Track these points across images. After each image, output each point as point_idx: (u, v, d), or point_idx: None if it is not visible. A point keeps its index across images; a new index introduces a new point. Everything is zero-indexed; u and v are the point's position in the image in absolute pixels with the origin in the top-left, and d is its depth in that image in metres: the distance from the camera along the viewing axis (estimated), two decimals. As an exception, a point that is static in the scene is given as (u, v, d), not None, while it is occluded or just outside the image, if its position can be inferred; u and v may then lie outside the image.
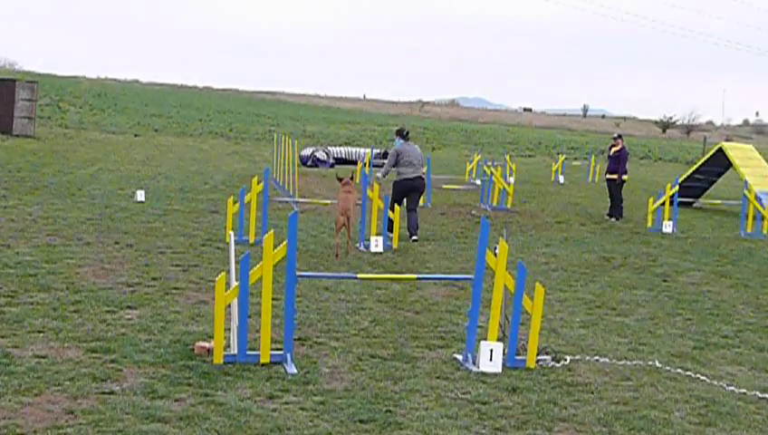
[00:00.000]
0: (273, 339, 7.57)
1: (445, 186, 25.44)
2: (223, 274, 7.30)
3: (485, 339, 7.73)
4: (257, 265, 7.26)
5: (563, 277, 12.52)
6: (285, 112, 77.78)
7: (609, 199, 20.94)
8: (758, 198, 19.95)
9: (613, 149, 20.89)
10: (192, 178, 23.90)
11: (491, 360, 7.57)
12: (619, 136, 21.26)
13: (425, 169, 15.61)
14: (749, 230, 19.19)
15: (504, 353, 7.69)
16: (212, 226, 15.42)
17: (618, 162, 20.54)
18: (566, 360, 8.03)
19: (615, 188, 20.59)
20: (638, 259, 14.68)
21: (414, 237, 14.97)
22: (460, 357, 7.91)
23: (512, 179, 27.11)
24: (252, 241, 13.84)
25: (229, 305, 7.40)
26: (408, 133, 15.75)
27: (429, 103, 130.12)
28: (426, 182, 16.12)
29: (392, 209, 14.47)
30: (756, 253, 16.42)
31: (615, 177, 20.47)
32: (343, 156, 34.22)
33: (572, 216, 20.76)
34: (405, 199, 15.29)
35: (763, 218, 19.51)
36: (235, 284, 7.37)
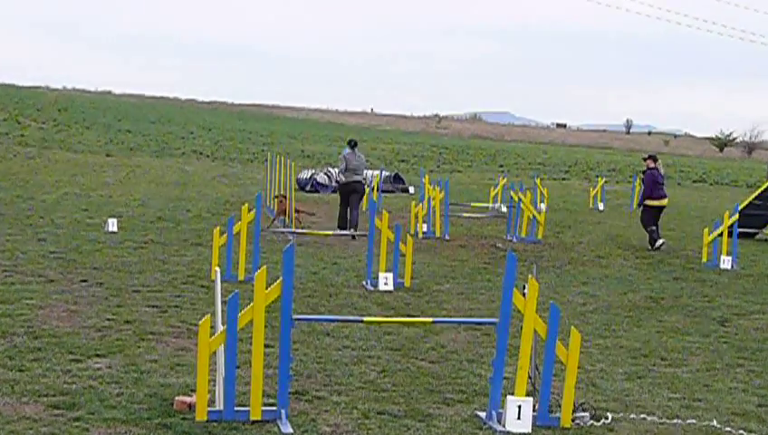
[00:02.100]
0: (265, 393, 7.55)
1: (465, 214, 25.44)
2: (207, 316, 7.29)
3: (512, 393, 7.70)
4: (247, 307, 7.25)
5: (603, 321, 12.47)
6: (281, 129, 78.10)
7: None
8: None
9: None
10: (172, 205, 23.96)
11: (519, 418, 7.53)
12: (650, 156, 21.74)
13: (366, 175, 21.54)
14: (821, 266, 19.08)
15: (534, 410, 7.65)
16: (195, 260, 15.44)
17: (645, 186, 21.25)
18: (607, 418, 7.99)
19: (643, 215, 21.17)
20: (692, 300, 14.62)
21: (353, 234, 19.03)
22: (483, 414, 7.88)
23: (543, 206, 27.08)
24: (241, 278, 13.84)
25: (214, 353, 7.39)
26: (356, 144, 20.97)
27: (447, 118, 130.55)
28: (364, 187, 21.36)
29: (342, 205, 20.40)
30: (829, 293, 16.33)
31: (647, 202, 21.07)
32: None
33: (614, 249, 20.73)
34: (348, 199, 20.51)
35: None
36: (221, 328, 7.37)
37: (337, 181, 33.08)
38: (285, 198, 20.68)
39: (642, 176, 21.55)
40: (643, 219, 21.21)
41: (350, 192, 20.52)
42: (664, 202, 21.22)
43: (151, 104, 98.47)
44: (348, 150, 20.54)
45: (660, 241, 20.81)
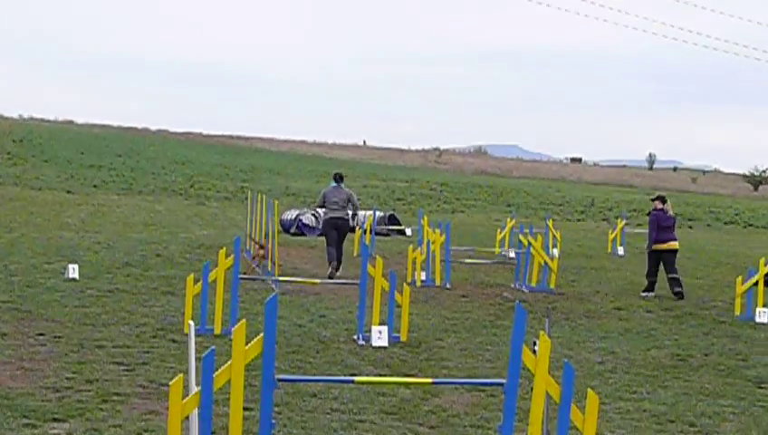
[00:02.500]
0: (243, 462, 7.51)
1: (468, 260, 25.46)
2: (180, 376, 7.27)
3: (523, 463, 7.67)
4: (224, 365, 7.24)
5: (624, 382, 12.45)
6: (263, 164, 78.28)
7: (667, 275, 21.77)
8: None
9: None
10: (141, 249, 23.97)
11: (530, 491, 7.50)
12: (658, 197, 22.57)
13: (349, 212, 22.16)
14: None
15: (547, 483, 7.62)
16: (166, 311, 15.42)
17: (649, 229, 22.14)
18: (629, 491, 7.96)
19: (648, 259, 22.04)
20: (724, 358, 14.61)
21: (330, 272, 21.05)
22: (489, 487, 7.84)
23: (556, 252, 27.10)
24: (218, 332, 13.82)
25: (187, 418, 7.37)
26: (341, 177, 22.56)
27: (448, 152, 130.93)
28: (348, 223, 22.22)
29: (327, 244, 21.80)
30: None
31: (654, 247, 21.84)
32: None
33: (635, 299, 20.74)
34: (329, 237, 21.80)
35: None
36: (195, 389, 7.35)
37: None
38: (263, 247, 21.63)
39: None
40: (648, 265, 22.00)
41: (330, 229, 21.92)
42: (673, 245, 21.77)
43: (118, 135, 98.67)
44: (331, 185, 22.18)
45: (651, 294, 21.54)
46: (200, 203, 44.43)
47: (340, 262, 21.79)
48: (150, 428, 8.93)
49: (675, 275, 21.54)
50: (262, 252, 21.59)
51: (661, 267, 21.62)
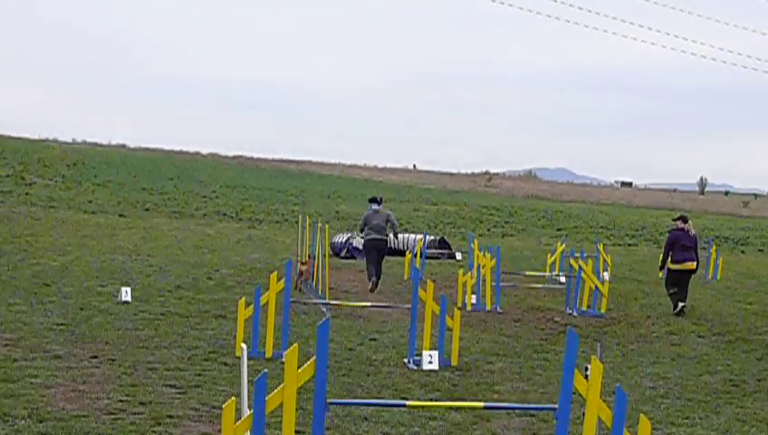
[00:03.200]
0: (295, 485, 7.53)
1: (519, 284, 25.38)
2: (232, 399, 7.31)
3: (575, 489, 7.63)
4: (277, 388, 7.27)
5: (677, 407, 12.36)
6: (314, 187, 78.56)
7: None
8: None
9: None
10: (192, 273, 24.11)
11: None
12: (680, 217, 22.96)
13: (390, 235, 23.38)
14: None
15: (599, 509, 7.57)
16: (218, 334, 15.50)
17: (665, 247, 22.67)
18: None
19: (666, 278, 22.60)
20: (777, 383, 14.46)
21: (375, 287, 22.66)
22: None
23: (606, 275, 26.95)
24: (269, 355, 13.87)
25: (239, 441, 7.40)
26: (380, 201, 23.51)
27: (498, 176, 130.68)
28: (387, 244, 23.30)
29: (368, 262, 23.01)
30: None
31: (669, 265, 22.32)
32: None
33: (688, 324, 20.57)
34: (370, 257, 22.95)
35: None
36: (247, 412, 7.38)
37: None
38: (310, 259, 22.76)
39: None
40: (666, 282, 22.52)
41: (370, 250, 22.97)
42: (687, 266, 21.99)
43: (169, 159, 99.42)
44: (372, 208, 23.11)
45: (681, 304, 21.65)
46: (251, 226, 44.63)
47: (379, 277, 23.05)
48: (203, 450, 8.96)
49: (684, 293, 21.91)
50: (304, 268, 22.21)
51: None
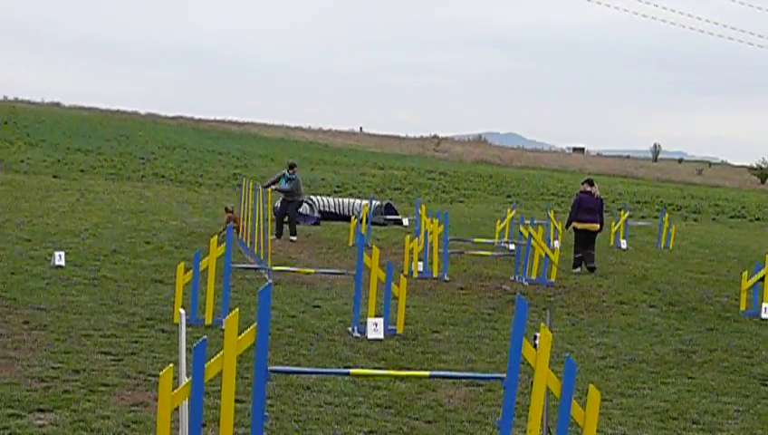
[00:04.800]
0: (234, 456, 7.52)
1: (467, 251, 25.47)
2: (170, 366, 7.28)
3: (521, 460, 7.69)
4: (216, 356, 7.25)
5: (626, 377, 12.48)
6: (256, 150, 78.14)
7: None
8: None
9: None
10: (129, 236, 23.96)
11: (529, 488, 7.52)
12: (587, 180, 25.18)
13: (298, 192, 27.55)
14: None
15: (546, 480, 7.64)
16: (155, 300, 15.43)
17: (571, 208, 25.05)
18: (630, 490, 7.98)
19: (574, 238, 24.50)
20: (728, 354, 14.65)
21: (292, 237, 26.44)
22: (487, 484, 7.86)
23: (557, 244, 27.11)
24: (209, 322, 13.84)
25: (177, 409, 7.38)
26: (294, 165, 28.08)
27: (447, 140, 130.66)
28: (299, 202, 28.03)
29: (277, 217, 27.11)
30: None
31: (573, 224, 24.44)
32: (332, 209, 34.34)
33: (638, 294, 20.76)
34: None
35: None
36: (185, 380, 7.36)
37: (320, 211, 33.32)
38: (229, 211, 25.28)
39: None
40: (575, 244, 24.44)
41: (287, 203, 27.50)
42: (588, 226, 24.04)
43: (106, 119, 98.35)
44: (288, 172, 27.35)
45: (590, 265, 23.92)
46: (191, 190, 44.37)
47: (295, 231, 26.90)
48: (139, 419, 8.94)
49: (591, 252, 24.01)
50: (229, 215, 24.81)
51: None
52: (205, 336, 7.53)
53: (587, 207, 24.24)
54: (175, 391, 7.27)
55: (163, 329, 13.22)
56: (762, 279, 19.25)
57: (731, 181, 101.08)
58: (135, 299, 15.45)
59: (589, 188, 24.52)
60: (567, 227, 24.91)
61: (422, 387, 11.00)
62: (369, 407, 10.06)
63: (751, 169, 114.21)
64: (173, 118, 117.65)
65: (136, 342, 12.32)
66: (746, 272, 20.03)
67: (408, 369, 11.78)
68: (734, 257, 30.86)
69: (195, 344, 7.25)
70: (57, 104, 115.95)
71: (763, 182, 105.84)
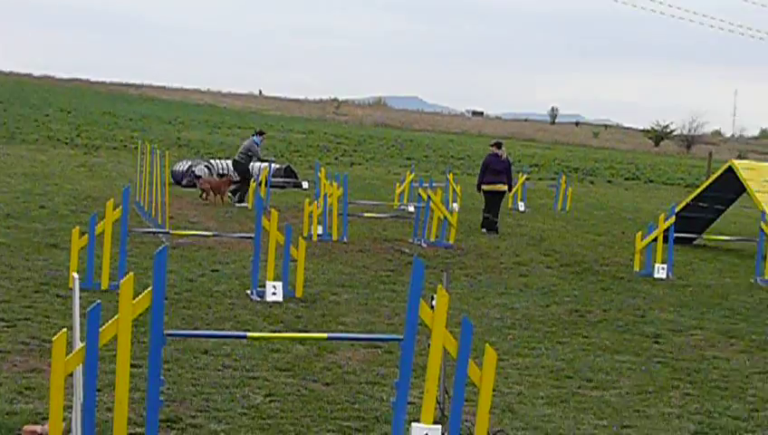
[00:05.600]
0: (131, 420, 7.47)
1: (366, 214, 25.50)
2: (63, 331, 7.18)
3: (418, 420, 7.74)
4: (111, 320, 7.16)
5: (523, 338, 12.62)
6: (154, 112, 77.36)
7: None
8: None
9: None
10: (23, 201, 23.56)
11: (426, 448, 7.56)
12: (495, 143, 25.84)
13: (248, 158, 28.67)
14: (767, 276, 19.54)
15: (443, 440, 7.69)
16: (50, 265, 15.21)
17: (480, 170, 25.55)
18: (526, 448, 8.07)
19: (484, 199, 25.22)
20: (622, 314, 14.89)
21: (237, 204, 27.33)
22: (385, 445, 7.90)
23: (456, 206, 27.28)
24: (104, 287, 13.69)
25: (71, 375, 7.29)
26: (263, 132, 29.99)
27: (347, 103, 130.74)
28: (240, 167, 28.70)
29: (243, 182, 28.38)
30: (774, 306, 16.76)
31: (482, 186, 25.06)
32: (231, 172, 34.08)
33: (536, 255, 21.00)
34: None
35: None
36: (79, 345, 7.26)
37: (219, 174, 33.09)
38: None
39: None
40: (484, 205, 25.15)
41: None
42: (497, 187, 24.67)
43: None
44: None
45: (494, 220, 24.68)
46: (87, 153, 43.74)
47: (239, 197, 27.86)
48: (32, 385, 8.82)
49: (495, 212, 24.74)
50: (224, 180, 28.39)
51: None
52: (99, 301, 7.42)
53: (495, 169, 24.73)
54: (68, 356, 7.17)
55: (58, 294, 13.04)
56: (655, 240, 19.59)
57: (626, 144, 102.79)
58: (29, 264, 15.20)
59: (497, 151, 24.98)
60: (478, 189, 25.25)
61: (321, 349, 11.01)
62: (267, 370, 10.04)
63: (646, 131, 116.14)
64: (68, 80, 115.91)
65: (29, 307, 12.13)
66: (640, 233, 20.40)
67: (307, 331, 11.79)
68: (628, 219, 31.40)
69: (89, 309, 7.15)
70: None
71: (656, 145, 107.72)
